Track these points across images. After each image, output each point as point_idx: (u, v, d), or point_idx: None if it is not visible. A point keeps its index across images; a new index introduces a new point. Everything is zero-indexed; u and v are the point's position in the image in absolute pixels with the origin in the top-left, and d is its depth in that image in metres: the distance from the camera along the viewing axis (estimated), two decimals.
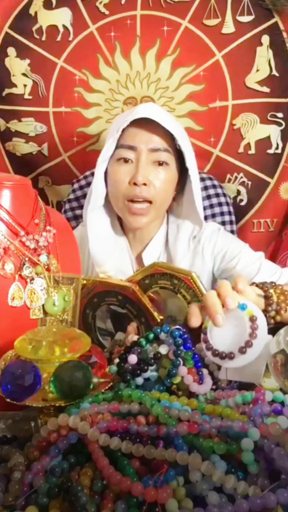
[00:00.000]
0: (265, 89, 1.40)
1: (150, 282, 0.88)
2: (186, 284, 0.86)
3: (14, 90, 1.44)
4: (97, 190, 0.97)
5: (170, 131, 0.90)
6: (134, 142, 0.91)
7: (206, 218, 1.27)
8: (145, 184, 0.91)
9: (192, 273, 0.85)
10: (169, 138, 0.92)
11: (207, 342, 0.67)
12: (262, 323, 0.67)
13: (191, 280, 0.85)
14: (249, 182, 1.47)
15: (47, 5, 1.38)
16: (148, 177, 0.92)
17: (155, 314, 0.86)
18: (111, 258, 1.00)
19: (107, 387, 0.61)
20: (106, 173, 0.97)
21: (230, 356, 0.66)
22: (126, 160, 0.92)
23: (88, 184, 1.36)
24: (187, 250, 1.03)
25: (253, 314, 0.67)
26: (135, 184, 0.91)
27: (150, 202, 0.94)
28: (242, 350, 0.66)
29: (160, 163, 0.93)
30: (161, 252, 1.06)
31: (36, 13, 1.39)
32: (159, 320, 0.86)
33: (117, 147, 0.93)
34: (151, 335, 0.69)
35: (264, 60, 1.38)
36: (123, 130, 0.91)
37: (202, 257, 1.05)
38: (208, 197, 1.32)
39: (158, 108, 0.97)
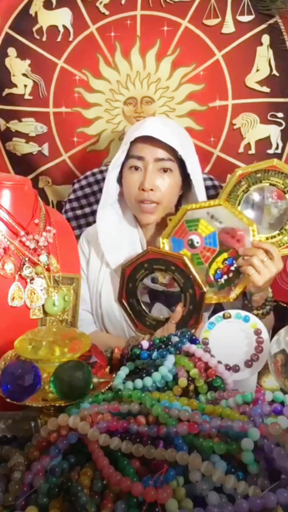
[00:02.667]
0: (265, 89, 1.40)
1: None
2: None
3: (14, 90, 1.44)
4: (108, 191, 1.10)
5: (171, 145, 1.02)
6: (142, 154, 1.04)
7: None
8: (152, 190, 1.03)
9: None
10: (172, 148, 1.03)
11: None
12: (266, 336, 0.67)
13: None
14: None
15: (47, 5, 1.38)
16: (154, 183, 1.04)
17: (201, 284, 0.94)
18: (121, 248, 1.10)
19: (107, 387, 0.61)
20: (122, 176, 1.10)
21: (235, 368, 0.65)
22: (136, 168, 1.06)
23: (89, 184, 1.36)
24: None
25: (257, 327, 0.67)
26: (143, 189, 1.03)
27: (157, 203, 1.05)
28: (248, 364, 0.66)
29: (165, 170, 1.05)
30: None
31: (36, 13, 1.38)
32: (205, 290, 0.95)
33: (129, 156, 1.06)
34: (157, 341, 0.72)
35: (264, 60, 1.38)
36: (134, 142, 1.05)
37: None
38: (208, 198, 1.31)
39: (162, 124, 1.09)
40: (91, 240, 1.14)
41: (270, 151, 1.44)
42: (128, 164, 1.07)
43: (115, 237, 1.10)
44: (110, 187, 1.10)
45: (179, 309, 0.97)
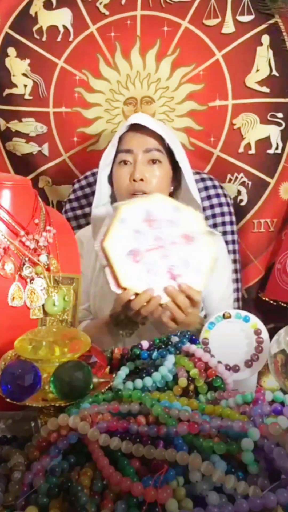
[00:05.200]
0: (265, 89, 1.40)
1: None
2: None
3: (14, 90, 1.44)
4: (101, 190, 1.11)
5: (158, 132, 1.05)
6: (130, 146, 1.06)
7: (206, 218, 1.28)
8: (142, 180, 1.05)
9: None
10: (159, 139, 1.06)
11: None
12: (265, 336, 0.67)
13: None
14: (249, 182, 1.47)
15: (48, 5, 1.38)
16: (144, 173, 1.05)
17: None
18: None
19: (107, 387, 0.61)
20: (112, 174, 1.11)
21: (235, 368, 0.66)
22: (125, 162, 1.07)
23: (89, 184, 1.37)
24: None
25: (257, 327, 0.67)
26: (134, 180, 1.05)
27: (148, 193, 1.05)
28: (248, 364, 0.66)
29: (154, 161, 1.07)
30: None
31: (36, 13, 1.39)
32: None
33: (118, 152, 1.08)
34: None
35: (264, 60, 1.38)
36: (122, 138, 1.07)
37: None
38: (209, 197, 1.32)
39: (147, 117, 1.12)
40: (84, 242, 1.15)
41: (270, 151, 1.44)
42: (117, 160, 1.08)
43: None
44: (103, 187, 1.12)
45: None
